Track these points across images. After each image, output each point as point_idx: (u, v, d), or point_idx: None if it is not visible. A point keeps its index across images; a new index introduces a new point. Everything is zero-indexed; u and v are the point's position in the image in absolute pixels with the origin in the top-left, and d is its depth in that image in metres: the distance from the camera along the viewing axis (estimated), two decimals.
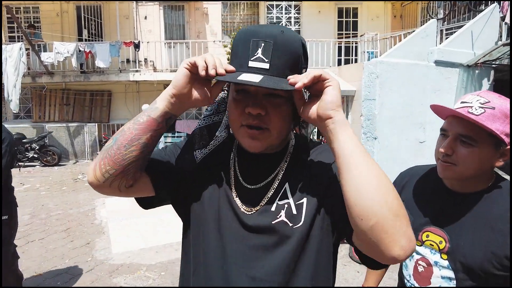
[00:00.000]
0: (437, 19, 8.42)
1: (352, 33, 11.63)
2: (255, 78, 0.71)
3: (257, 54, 0.73)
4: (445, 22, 9.14)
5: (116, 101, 11.11)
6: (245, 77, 0.71)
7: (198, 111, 11.57)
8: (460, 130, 1.06)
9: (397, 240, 0.63)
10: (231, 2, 11.12)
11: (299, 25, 11.48)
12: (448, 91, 6.57)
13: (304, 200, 0.81)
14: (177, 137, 10.84)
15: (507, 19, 6.35)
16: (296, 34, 0.78)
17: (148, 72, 10.36)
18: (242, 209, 0.83)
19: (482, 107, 1.04)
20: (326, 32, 11.25)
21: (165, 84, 11.16)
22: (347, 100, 6.22)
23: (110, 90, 10.99)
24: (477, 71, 6.90)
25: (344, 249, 3.96)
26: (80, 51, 9.61)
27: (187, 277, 0.90)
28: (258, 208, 0.82)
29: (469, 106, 1.06)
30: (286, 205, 0.81)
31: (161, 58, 10.64)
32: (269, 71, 0.73)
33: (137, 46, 9.92)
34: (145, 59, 10.71)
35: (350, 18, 11.67)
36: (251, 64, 0.74)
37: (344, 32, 11.64)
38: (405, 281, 1.24)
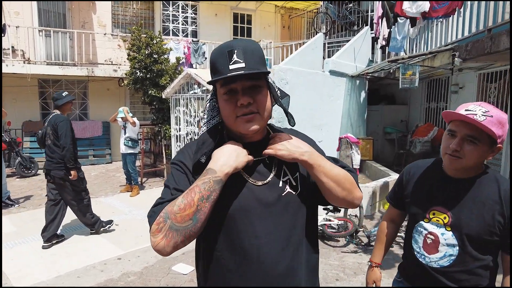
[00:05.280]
0: (323, 33, 9.60)
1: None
2: (241, 70, 0.95)
3: (234, 58, 0.96)
4: (327, 37, 10.49)
5: None
6: (233, 72, 0.95)
7: (81, 111, 10.18)
8: (468, 132, 1.33)
9: (356, 197, 1.12)
10: None
11: (196, 26, 11.37)
12: (338, 97, 7.60)
13: (298, 174, 1.12)
14: None
15: (380, 41, 7.72)
16: (255, 42, 1.05)
17: (18, 63, 8.57)
18: (254, 183, 1.06)
19: (484, 115, 1.31)
20: (222, 35, 11.45)
21: (41, 79, 9.45)
22: None
23: None
24: (357, 81, 8.18)
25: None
26: None
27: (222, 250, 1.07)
28: (266, 182, 1.07)
29: (474, 114, 1.32)
30: (288, 181, 1.10)
31: (35, 48, 8.95)
32: (245, 67, 0.96)
33: (1, 30, 8.09)
34: (13, 47, 8.83)
35: (245, 24, 12.19)
36: (232, 67, 0.96)
37: (239, 37, 12.08)
38: (415, 253, 1.50)
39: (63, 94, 4.23)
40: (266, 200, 1.05)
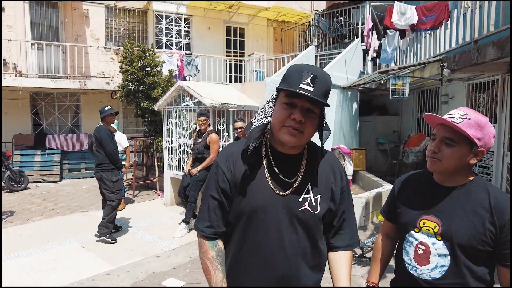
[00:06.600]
0: (315, 46, 9.72)
1: (240, 52, 12.29)
2: (308, 93, 1.11)
3: (307, 80, 1.12)
4: (318, 49, 10.63)
5: None
6: (301, 91, 1.11)
7: (73, 124, 10.13)
8: (445, 134, 1.34)
9: None
10: (115, 6, 10.26)
11: (189, 39, 11.45)
12: (330, 109, 7.63)
13: (319, 196, 1.24)
14: (48, 154, 9.21)
15: (371, 53, 7.84)
16: (329, 76, 1.19)
17: (10, 76, 8.53)
18: (276, 191, 1.21)
19: (461, 118, 1.32)
20: (215, 48, 11.55)
21: (32, 92, 9.40)
22: (251, 115, 6.52)
23: None
24: (349, 92, 8.25)
25: None
26: None
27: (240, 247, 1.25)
28: (287, 193, 1.21)
29: (452, 117, 1.33)
30: (308, 199, 1.22)
31: (27, 61, 8.94)
32: (312, 92, 1.12)
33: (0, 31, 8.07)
34: (4, 60, 8.80)
35: (237, 37, 12.31)
36: (302, 86, 1.12)
37: (232, 50, 12.19)
38: (406, 265, 1.44)
39: (106, 108, 4.84)
40: (284, 209, 1.20)
